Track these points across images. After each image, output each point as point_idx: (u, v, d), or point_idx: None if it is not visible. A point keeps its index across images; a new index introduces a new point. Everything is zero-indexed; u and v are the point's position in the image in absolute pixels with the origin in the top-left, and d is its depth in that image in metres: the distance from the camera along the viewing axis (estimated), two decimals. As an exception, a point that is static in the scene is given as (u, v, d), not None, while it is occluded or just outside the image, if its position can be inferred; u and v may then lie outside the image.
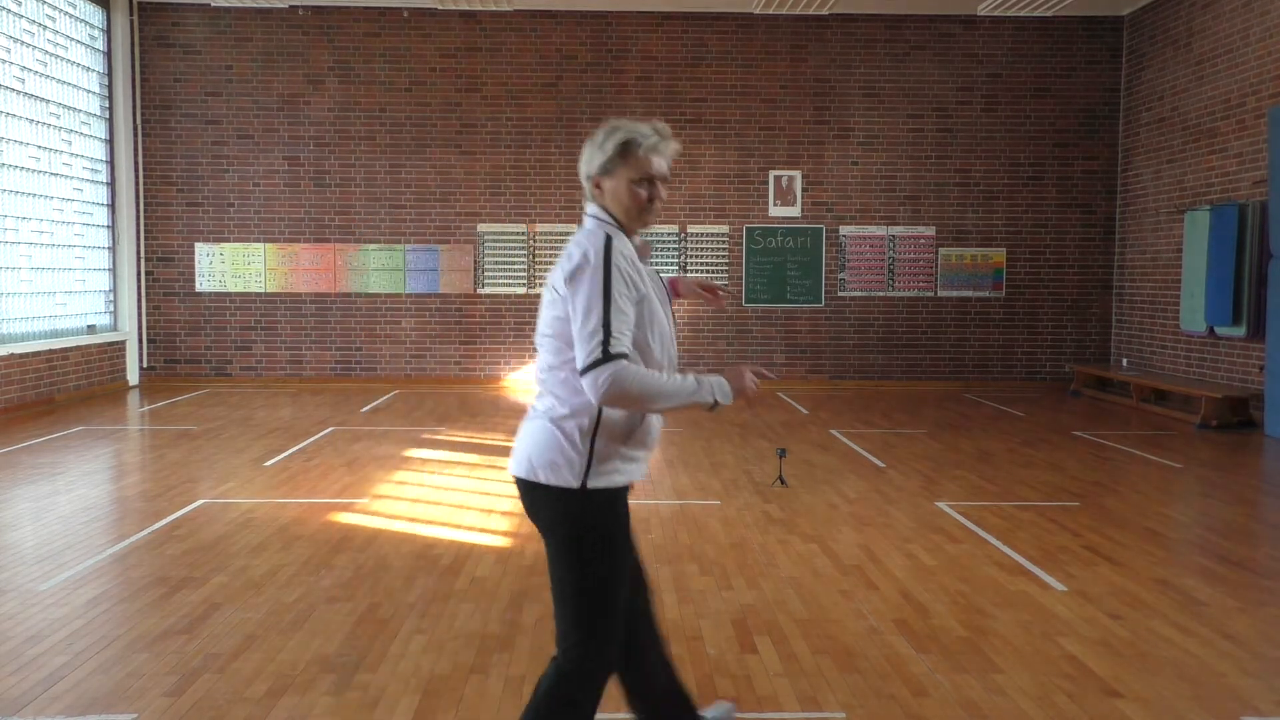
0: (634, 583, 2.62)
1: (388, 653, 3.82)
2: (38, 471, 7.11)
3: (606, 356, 2.26)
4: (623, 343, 2.29)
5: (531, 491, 2.45)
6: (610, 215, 2.47)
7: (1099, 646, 3.94)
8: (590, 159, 2.47)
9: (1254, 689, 3.56)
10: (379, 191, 12.47)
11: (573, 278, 2.33)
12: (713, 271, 12.57)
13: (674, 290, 2.75)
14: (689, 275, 2.60)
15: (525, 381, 12.56)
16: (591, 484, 2.39)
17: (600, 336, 2.27)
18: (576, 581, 2.42)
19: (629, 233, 2.48)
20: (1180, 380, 10.71)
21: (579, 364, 2.30)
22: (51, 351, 10.41)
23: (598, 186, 2.47)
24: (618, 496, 2.46)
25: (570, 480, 2.38)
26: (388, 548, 5.24)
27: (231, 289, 12.47)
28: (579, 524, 2.41)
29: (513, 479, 2.50)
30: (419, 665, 3.70)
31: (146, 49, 12.26)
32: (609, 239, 2.37)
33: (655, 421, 2.50)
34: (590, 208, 2.49)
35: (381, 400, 11.19)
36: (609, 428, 2.40)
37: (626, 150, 2.42)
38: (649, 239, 12.48)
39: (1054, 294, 12.75)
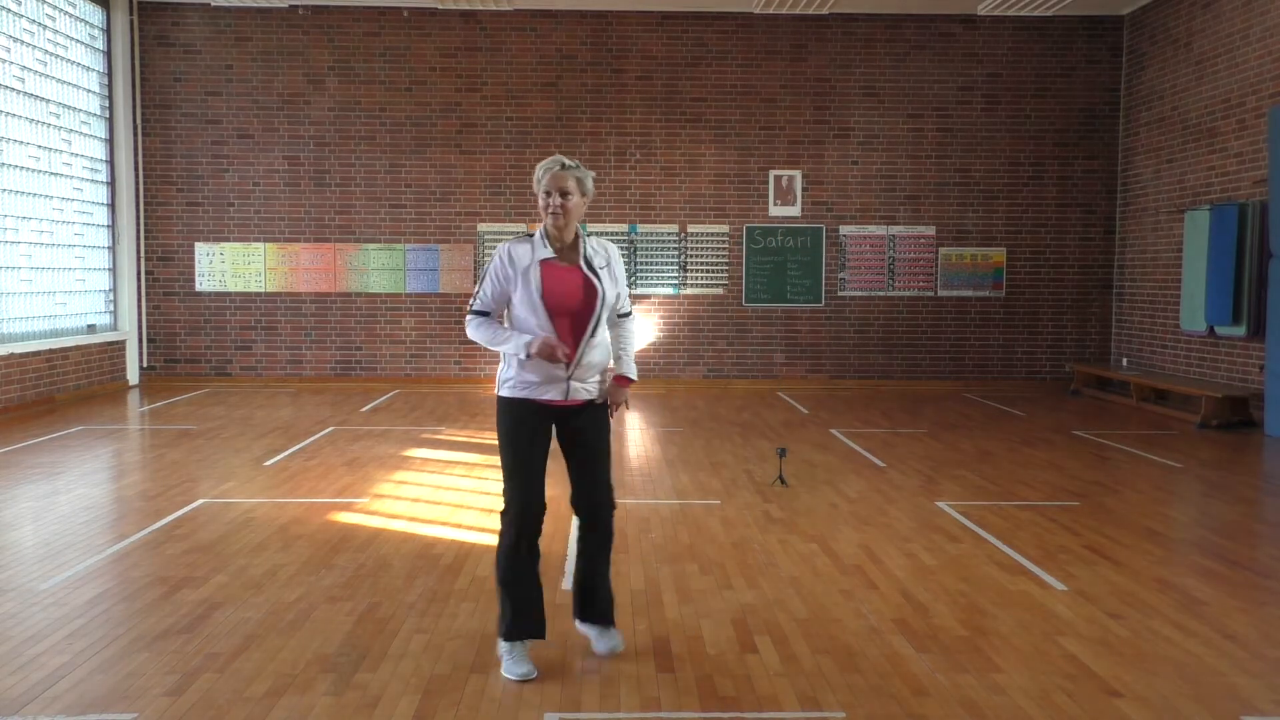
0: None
1: (388, 653, 3.82)
2: (38, 471, 7.11)
3: (470, 311, 3.70)
4: (476, 303, 3.69)
5: None
6: (542, 225, 3.70)
7: (1099, 646, 3.94)
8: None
9: (1254, 689, 3.56)
10: (379, 191, 12.47)
11: None
12: (712, 271, 12.57)
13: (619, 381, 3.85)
14: (622, 390, 3.84)
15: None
16: (499, 393, 3.71)
17: (473, 298, 3.71)
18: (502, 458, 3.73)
19: (552, 230, 3.65)
20: (1180, 380, 10.71)
21: None
22: (51, 351, 10.41)
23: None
24: (516, 404, 3.65)
25: (496, 389, 3.74)
26: (388, 547, 5.24)
27: (231, 289, 12.47)
28: (496, 415, 3.74)
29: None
30: (419, 665, 3.70)
31: (146, 48, 12.26)
32: (516, 239, 3.70)
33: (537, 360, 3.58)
34: None
35: (381, 400, 11.19)
36: (507, 358, 3.68)
37: (539, 177, 3.65)
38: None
39: (1054, 294, 12.75)
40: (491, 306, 3.67)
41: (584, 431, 3.73)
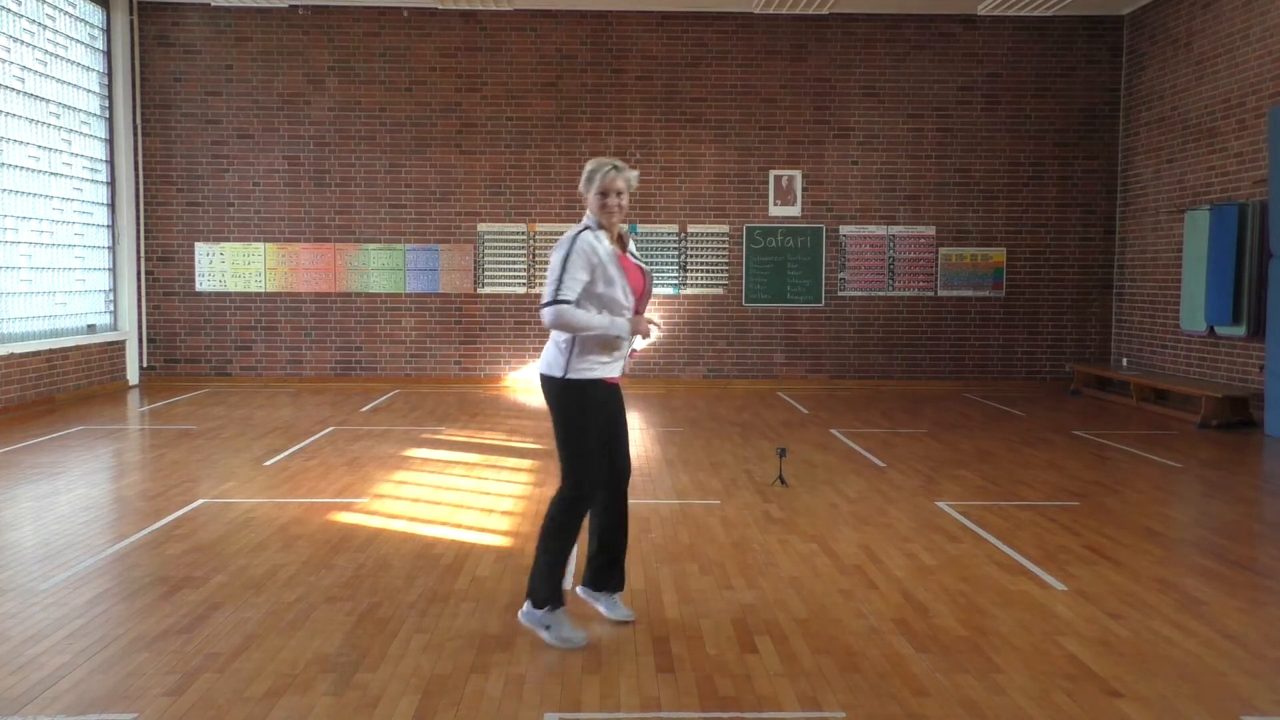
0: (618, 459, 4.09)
1: (388, 653, 3.82)
2: (38, 471, 7.11)
3: (554, 300, 3.76)
4: (565, 292, 3.77)
5: (541, 381, 3.97)
6: (592, 217, 3.95)
7: (1099, 646, 3.94)
8: (581, 185, 3.98)
9: (1254, 688, 3.57)
10: (379, 191, 12.47)
11: (553, 251, 3.87)
12: (712, 271, 12.57)
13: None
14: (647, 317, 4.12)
15: (525, 381, 12.57)
16: (569, 376, 3.86)
17: (554, 287, 3.77)
18: (560, 437, 3.92)
19: (605, 228, 3.93)
20: (1180, 380, 10.71)
21: (542, 302, 3.83)
22: (51, 351, 10.41)
23: (586, 202, 3.98)
24: (592, 385, 3.89)
25: (556, 373, 3.88)
26: (388, 548, 5.24)
27: (231, 289, 12.47)
28: (562, 400, 3.88)
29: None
30: (419, 665, 3.70)
31: (146, 48, 12.26)
32: (581, 230, 3.88)
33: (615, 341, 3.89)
34: (586, 214, 3.98)
35: (381, 400, 11.19)
36: (582, 341, 3.86)
37: (591, 177, 3.92)
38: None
39: (1054, 294, 12.75)
40: (579, 294, 3.82)
41: (619, 404, 4.11)
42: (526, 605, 3.92)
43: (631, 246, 4.11)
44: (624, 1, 12.18)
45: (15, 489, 6.57)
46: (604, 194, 3.86)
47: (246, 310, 12.52)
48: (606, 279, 3.83)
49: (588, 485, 3.88)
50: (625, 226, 4.08)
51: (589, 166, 3.93)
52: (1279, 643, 4.01)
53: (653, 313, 3.63)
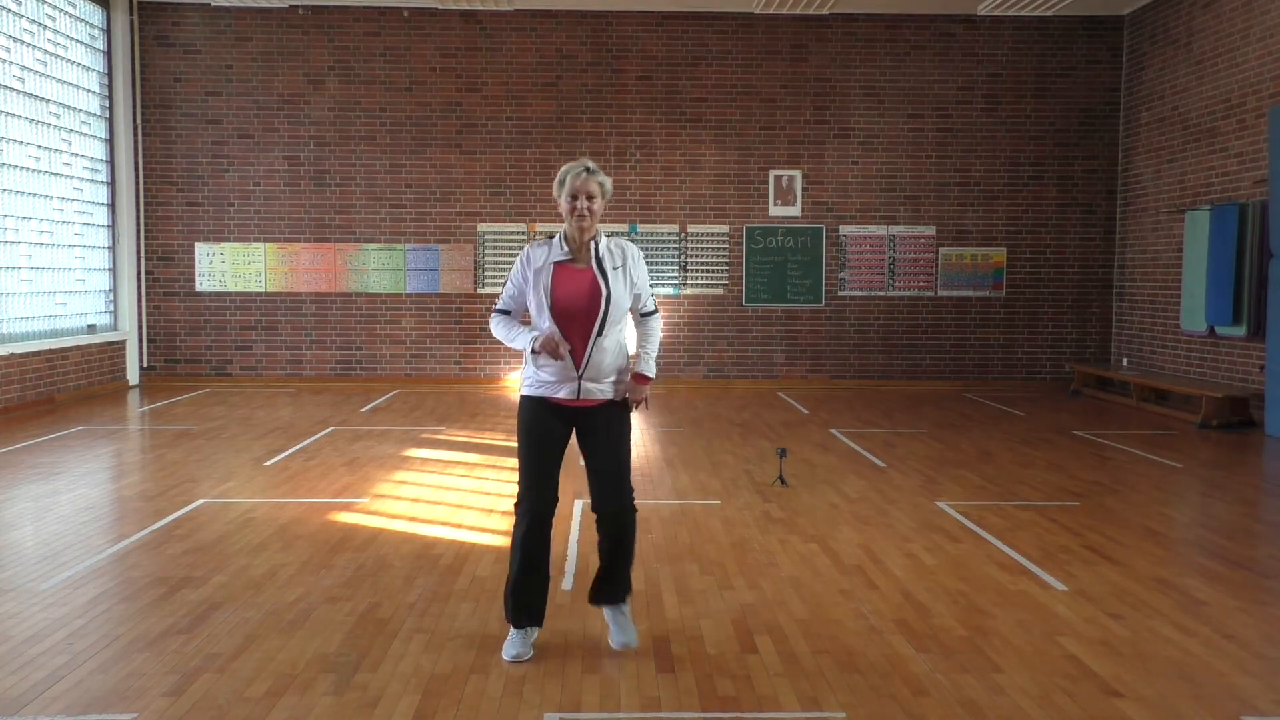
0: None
1: (388, 653, 3.82)
2: (38, 471, 7.11)
3: (494, 310, 3.87)
4: (499, 304, 3.86)
5: None
6: (564, 228, 3.76)
7: (1099, 646, 3.94)
8: (554, 190, 3.75)
9: (1254, 688, 3.56)
10: (379, 191, 12.47)
11: None
12: (713, 271, 12.57)
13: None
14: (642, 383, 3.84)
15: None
16: (523, 393, 3.81)
17: (499, 299, 3.88)
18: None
19: (574, 233, 3.71)
20: (1180, 380, 10.71)
21: None
22: (51, 351, 10.41)
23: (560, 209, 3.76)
24: (531, 403, 3.77)
25: (520, 389, 3.84)
26: (388, 548, 5.24)
27: (231, 289, 12.47)
28: (517, 415, 3.85)
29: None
30: (419, 665, 3.70)
31: (146, 49, 12.26)
32: (531, 246, 3.79)
33: (553, 362, 3.68)
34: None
35: (381, 400, 11.19)
36: (528, 357, 3.76)
37: (562, 180, 3.69)
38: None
39: (1054, 294, 12.75)
40: (512, 306, 3.83)
41: (597, 432, 3.77)
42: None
43: (605, 254, 3.72)
44: (624, 1, 12.18)
45: (15, 489, 6.57)
46: (573, 197, 3.64)
47: (246, 310, 12.52)
48: (531, 293, 3.72)
49: (524, 499, 3.74)
50: (599, 233, 3.78)
51: (561, 170, 3.70)
52: (1279, 643, 4.01)
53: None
